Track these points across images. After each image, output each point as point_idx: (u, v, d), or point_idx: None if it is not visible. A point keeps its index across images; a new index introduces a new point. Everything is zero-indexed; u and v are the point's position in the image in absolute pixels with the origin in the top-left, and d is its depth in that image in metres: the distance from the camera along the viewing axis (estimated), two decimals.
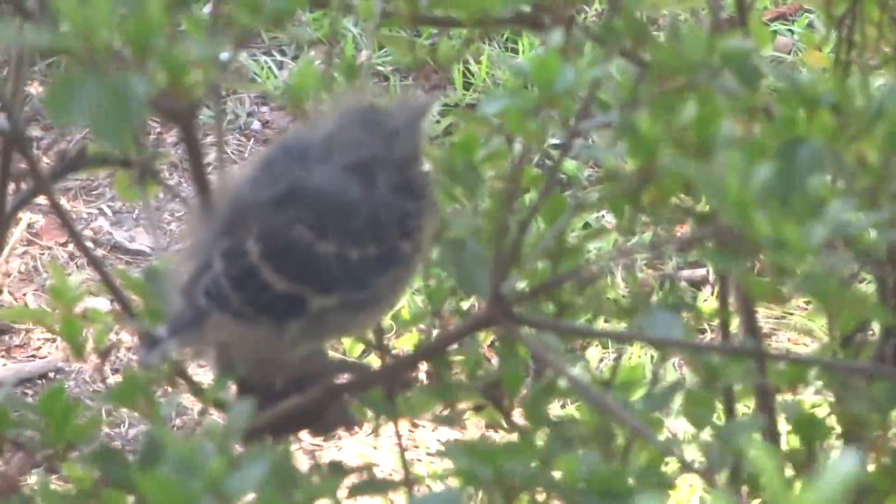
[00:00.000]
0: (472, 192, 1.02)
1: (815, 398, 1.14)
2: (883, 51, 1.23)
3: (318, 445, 2.12)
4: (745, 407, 1.48)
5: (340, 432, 1.62)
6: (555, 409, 1.23)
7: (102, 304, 1.60)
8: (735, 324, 1.16)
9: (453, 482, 0.91)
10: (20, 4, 0.99)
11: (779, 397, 1.11)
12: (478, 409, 1.08)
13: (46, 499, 0.96)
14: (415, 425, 2.31)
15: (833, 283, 0.84)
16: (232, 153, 2.74)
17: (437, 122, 2.58)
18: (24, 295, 2.42)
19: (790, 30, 2.98)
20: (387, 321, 1.22)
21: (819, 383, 1.04)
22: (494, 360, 1.06)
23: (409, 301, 1.79)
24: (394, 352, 1.17)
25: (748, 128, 0.93)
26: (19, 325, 2.38)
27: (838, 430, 1.05)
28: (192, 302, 0.94)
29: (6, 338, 2.38)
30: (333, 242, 0.93)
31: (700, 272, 2.52)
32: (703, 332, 2.24)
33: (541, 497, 0.92)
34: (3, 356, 2.36)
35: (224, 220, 0.95)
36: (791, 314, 2.45)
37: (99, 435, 1.07)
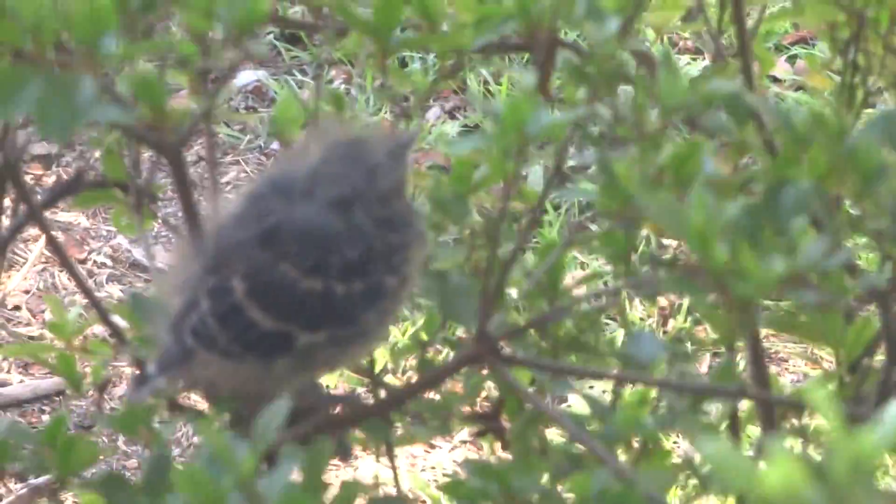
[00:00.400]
0: (458, 222, 1.02)
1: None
2: (887, 74, 1.22)
3: (335, 465, 2.13)
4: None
5: (336, 461, 1.62)
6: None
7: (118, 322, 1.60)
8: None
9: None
10: None
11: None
12: (479, 434, 1.08)
13: None
14: (431, 446, 2.31)
15: (813, 316, 0.84)
16: (252, 173, 2.75)
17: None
18: (42, 312, 2.43)
19: (811, 54, 2.97)
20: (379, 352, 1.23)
21: None
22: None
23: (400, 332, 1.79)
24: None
25: (735, 165, 0.93)
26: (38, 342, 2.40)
27: None
28: (180, 339, 0.94)
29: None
30: (319, 279, 0.92)
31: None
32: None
33: None
34: (20, 372, 2.37)
35: (210, 257, 0.94)
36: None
37: (106, 460, 1.08)
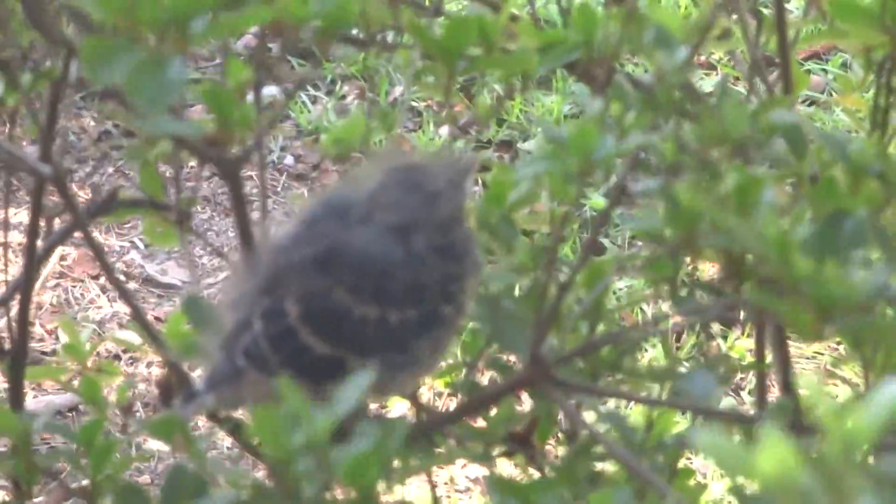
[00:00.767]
0: (508, 246, 1.02)
1: None
2: None
3: None
4: None
5: None
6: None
7: (132, 337, 1.60)
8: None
9: None
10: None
11: None
12: (509, 454, 1.08)
13: None
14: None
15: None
16: (266, 188, 2.74)
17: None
18: (56, 328, 2.42)
19: (824, 69, 2.98)
20: None
21: None
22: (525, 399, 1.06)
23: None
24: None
25: (794, 196, 0.93)
26: (50, 357, 2.39)
27: None
28: (231, 358, 0.94)
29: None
30: (373, 306, 0.92)
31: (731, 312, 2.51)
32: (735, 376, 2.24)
33: None
34: (34, 388, 2.37)
35: (265, 277, 0.94)
36: (821, 354, 2.44)
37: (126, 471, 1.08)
